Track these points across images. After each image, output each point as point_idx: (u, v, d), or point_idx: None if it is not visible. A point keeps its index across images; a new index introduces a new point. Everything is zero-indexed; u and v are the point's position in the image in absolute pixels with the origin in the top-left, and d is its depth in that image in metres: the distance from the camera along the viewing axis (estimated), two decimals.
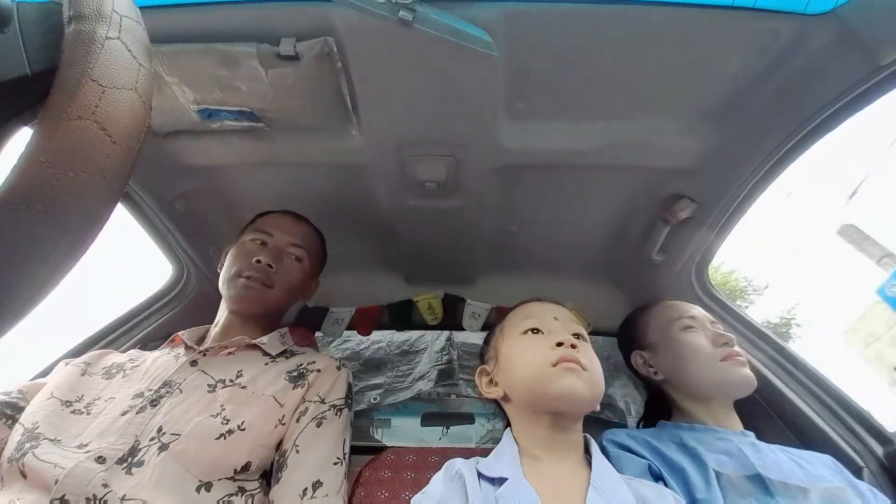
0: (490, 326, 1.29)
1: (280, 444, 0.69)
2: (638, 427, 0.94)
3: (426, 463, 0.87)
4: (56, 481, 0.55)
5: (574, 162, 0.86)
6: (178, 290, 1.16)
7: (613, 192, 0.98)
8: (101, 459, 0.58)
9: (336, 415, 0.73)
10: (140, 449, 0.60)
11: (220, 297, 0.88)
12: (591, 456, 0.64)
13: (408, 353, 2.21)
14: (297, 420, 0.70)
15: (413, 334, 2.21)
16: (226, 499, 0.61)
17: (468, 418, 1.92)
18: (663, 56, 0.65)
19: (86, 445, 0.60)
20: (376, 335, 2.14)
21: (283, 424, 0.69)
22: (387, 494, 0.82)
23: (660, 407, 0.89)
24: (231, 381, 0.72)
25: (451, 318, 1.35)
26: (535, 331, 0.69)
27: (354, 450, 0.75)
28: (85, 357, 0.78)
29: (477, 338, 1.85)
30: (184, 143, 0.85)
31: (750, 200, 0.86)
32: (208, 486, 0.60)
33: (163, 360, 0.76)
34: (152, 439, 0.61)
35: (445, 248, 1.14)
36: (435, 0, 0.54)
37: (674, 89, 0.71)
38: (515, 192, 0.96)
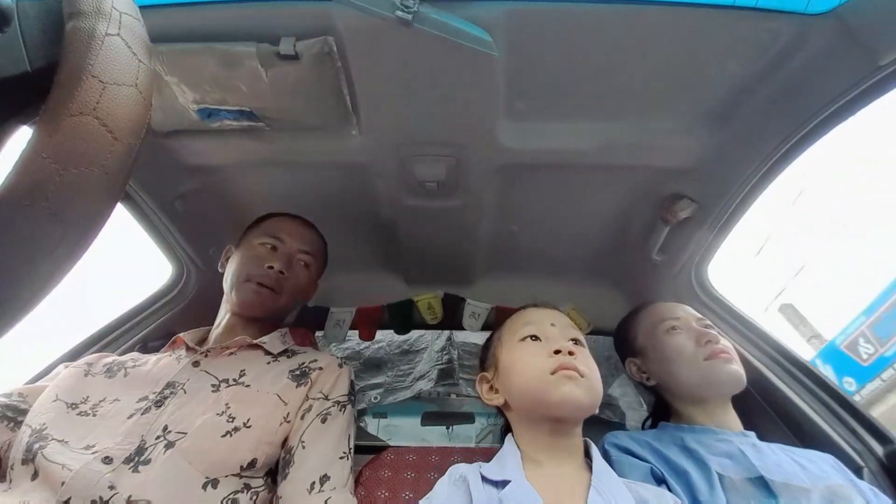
0: (490, 326, 1.30)
1: (285, 441, 0.69)
2: (643, 428, 0.94)
3: (426, 463, 0.87)
4: (62, 483, 0.55)
5: (574, 162, 0.86)
6: (178, 290, 1.16)
7: (613, 192, 0.98)
8: (108, 460, 0.58)
9: (340, 411, 0.73)
10: (147, 448, 0.61)
11: (220, 297, 0.88)
12: (591, 459, 0.64)
13: (408, 353, 2.21)
14: (302, 417, 0.71)
15: (413, 334, 2.21)
16: (231, 496, 0.61)
17: (468, 418, 1.93)
18: (663, 56, 0.65)
19: (93, 446, 0.61)
20: (376, 335, 2.13)
21: (288, 422, 0.70)
22: (387, 494, 0.82)
23: (662, 409, 0.89)
24: (234, 380, 0.72)
25: (451, 318, 1.35)
26: (534, 338, 0.70)
27: (355, 449, 0.75)
28: (85, 359, 0.78)
29: (477, 337, 1.86)
30: (184, 143, 0.85)
31: (750, 200, 0.86)
32: (214, 482, 0.60)
33: (165, 363, 0.76)
34: (158, 437, 0.62)
35: (445, 248, 1.14)
36: (435, 0, 0.54)
37: (674, 89, 0.71)
38: (515, 192, 0.96)
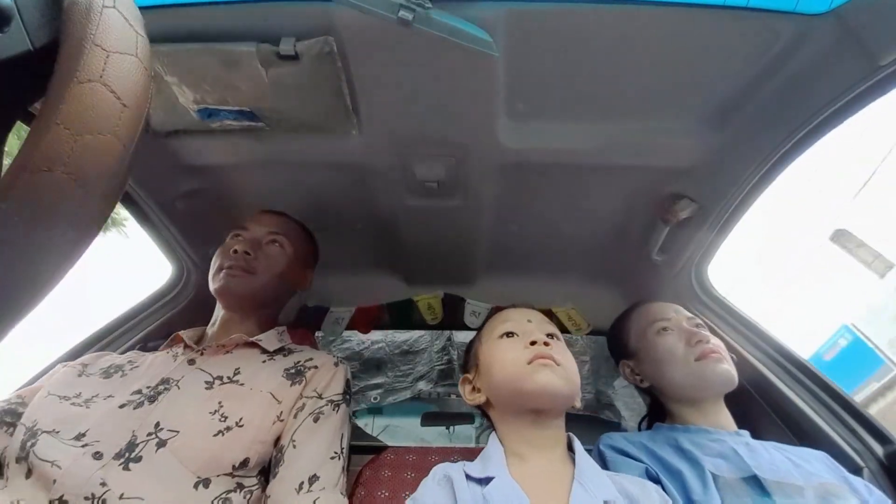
0: None
1: (278, 440, 0.69)
2: (640, 429, 0.94)
3: (426, 463, 0.87)
4: (54, 481, 0.55)
5: (574, 162, 0.86)
6: (178, 290, 1.16)
7: (613, 192, 0.98)
8: (98, 455, 0.58)
9: (333, 410, 0.73)
10: (138, 444, 0.60)
11: None
12: (574, 453, 0.65)
13: (408, 353, 2.21)
14: (295, 416, 0.70)
15: (413, 334, 2.21)
16: (224, 495, 0.61)
17: (468, 418, 1.93)
18: (663, 56, 0.65)
19: (83, 435, 0.60)
20: (376, 335, 2.14)
21: (281, 421, 0.69)
22: (387, 494, 0.82)
23: (658, 410, 0.89)
24: (229, 378, 0.72)
25: (451, 318, 1.35)
26: (510, 334, 0.72)
27: (354, 449, 0.75)
28: (82, 359, 0.78)
29: None
30: (184, 143, 0.85)
31: (750, 200, 0.86)
32: (206, 482, 0.60)
33: (161, 360, 0.76)
34: (149, 434, 0.62)
35: (445, 248, 1.14)
36: (435, 0, 0.54)
37: (674, 89, 0.71)
38: (515, 192, 0.96)
